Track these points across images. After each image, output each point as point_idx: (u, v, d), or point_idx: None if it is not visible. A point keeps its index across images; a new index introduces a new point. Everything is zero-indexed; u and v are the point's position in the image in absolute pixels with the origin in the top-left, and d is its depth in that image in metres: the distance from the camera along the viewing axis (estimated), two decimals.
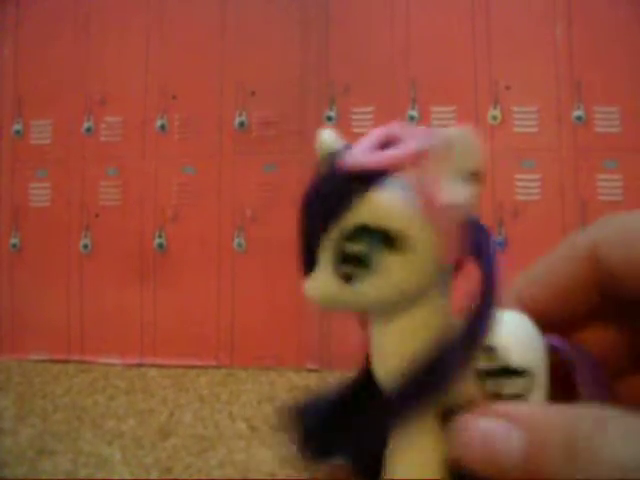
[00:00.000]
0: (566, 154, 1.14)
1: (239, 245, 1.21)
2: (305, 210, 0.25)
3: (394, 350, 0.24)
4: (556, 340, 0.25)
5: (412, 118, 1.17)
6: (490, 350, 0.24)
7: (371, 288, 0.23)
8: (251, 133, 1.23)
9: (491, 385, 0.24)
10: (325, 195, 0.24)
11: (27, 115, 1.31)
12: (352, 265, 0.24)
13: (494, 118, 1.15)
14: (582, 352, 0.25)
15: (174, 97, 1.26)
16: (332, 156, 0.25)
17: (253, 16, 1.25)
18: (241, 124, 1.23)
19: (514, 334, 0.25)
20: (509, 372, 0.24)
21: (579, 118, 1.13)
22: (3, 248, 1.29)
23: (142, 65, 1.27)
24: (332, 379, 1.11)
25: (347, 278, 0.24)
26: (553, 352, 0.25)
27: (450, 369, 0.23)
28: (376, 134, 0.24)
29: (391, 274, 0.23)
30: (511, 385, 0.24)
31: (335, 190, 0.24)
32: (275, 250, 1.20)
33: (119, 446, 0.81)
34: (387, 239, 0.23)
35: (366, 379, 0.25)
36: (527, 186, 1.14)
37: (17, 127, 1.30)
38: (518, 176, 1.14)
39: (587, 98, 1.14)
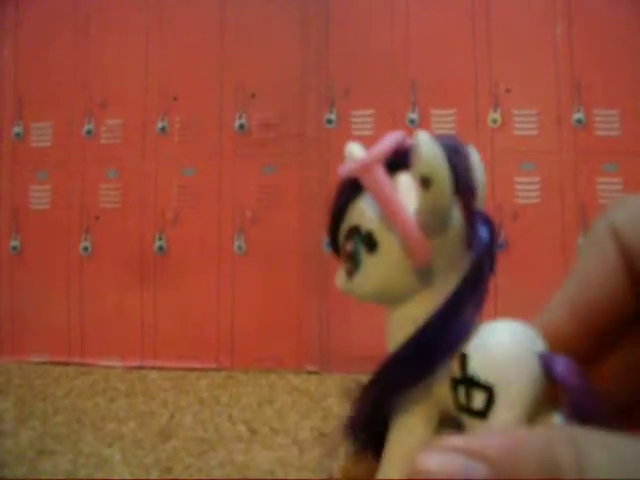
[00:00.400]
0: (566, 157, 1.14)
1: (239, 247, 1.21)
2: (329, 213, 0.28)
3: (393, 336, 0.26)
4: (561, 362, 0.24)
5: (412, 121, 1.18)
6: (462, 357, 0.24)
7: (359, 283, 0.26)
8: (251, 135, 1.23)
9: (460, 394, 0.23)
10: (334, 200, 0.27)
11: (27, 117, 1.31)
12: (349, 261, 0.26)
13: (494, 121, 1.16)
14: (583, 381, 0.24)
15: (175, 99, 1.26)
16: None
17: (253, 18, 1.25)
18: (241, 126, 1.23)
19: (490, 345, 0.24)
20: (474, 384, 0.23)
21: (579, 121, 1.13)
22: (3, 250, 1.29)
23: (142, 67, 1.27)
24: (332, 381, 1.11)
25: (348, 273, 0.26)
26: (549, 373, 0.24)
27: (428, 347, 0.24)
28: (383, 145, 0.26)
29: (369, 272, 0.25)
30: (475, 399, 0.23)
31: (338, 196, 0.27)
32: (275, 252, 1.20)
33: (119, 448, 0.81)
34: (365, 240, 0.25)
35: None
36: (527, 189, 1.14)
37: (17, 129, 1.31)
38: (518, 179, 1.14)
39: (587, 101, 1.14)
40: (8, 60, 1.32)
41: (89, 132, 1.28)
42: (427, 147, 0.23)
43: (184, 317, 1.22)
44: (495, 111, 1.16)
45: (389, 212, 0.24)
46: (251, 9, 1.25)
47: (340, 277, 0.27)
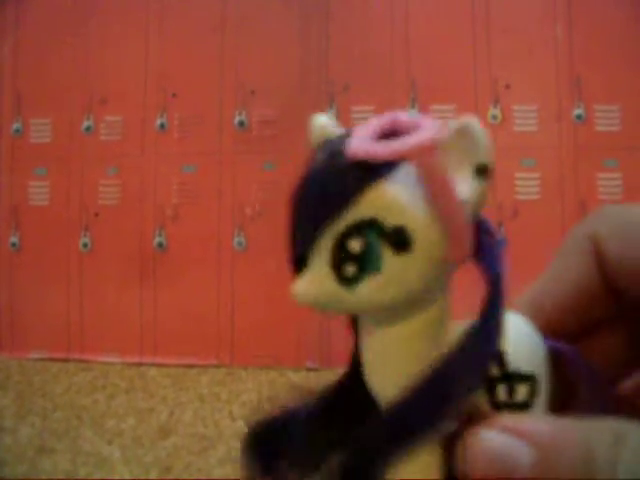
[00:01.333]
0: (566, 153, 1.13)
1: (239, 244, 1.21)
2: (298, 202, 0.22)
3: (395, 357, 0.22)
4: (559, 345, 0.24)
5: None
6: (499, 355, 0.22)
7: (373, 290, 0.21)
8: (251, 132, 1.23)
9: (499, 393, 0.22)
10: (325, 186, 0.22)
11: (26, 114, 1.31)
12: (353, 264, 0.21)
13: (494, 117, 1.15)
14: (583, 358, 0.24)
15: (174, 95, 1.25)
16: (330, 143, 0.22)
17: (253, 15, 1.25)
18: (241, 123, 1.23)
19: (517, 338, 0.23)
20: (514, 378, 0.23)
21: (579, 117, 1.13)
22: (3, 247, 1.29)
23: (141, 63, 1.27)
24: (332, 378, 1.11)
25: (346, 278, 0.22)
26: (556, 356, 0.24)
27: (463, 384, 0.21)
28: (379, 122, 0.22)
29: (395, 274, 0.21)
30: (519, 392, 0.22)
31: (337, 180, 0.21)
32: (275, 249, 1.20)
33: (119, 445, 0.81)
34: (392, 236, 0.21)
35: (352, 388, 0.24)
36: (527, 185, 1.14)
37: (16, 126, 1.30)
38: (518, 175, 1.14)
39: (587, 97, 1.13)
40: (8, 57, 1.32)
41: (88, 129, 1.27)
42: (484, 134, 0.21)
43: (184, 314, 1.22)
44: (495, 107, 1.16)
45: (446, 204, 0.20)
46: (251, 6, 1.25)
47: (319, 286, 0.22)
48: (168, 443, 0.82)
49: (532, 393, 0.22)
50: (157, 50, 1.27)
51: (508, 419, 0.21)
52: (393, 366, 0.23)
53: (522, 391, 0.22)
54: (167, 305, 1.23)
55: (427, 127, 0.21)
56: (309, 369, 1.16)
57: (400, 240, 0.21)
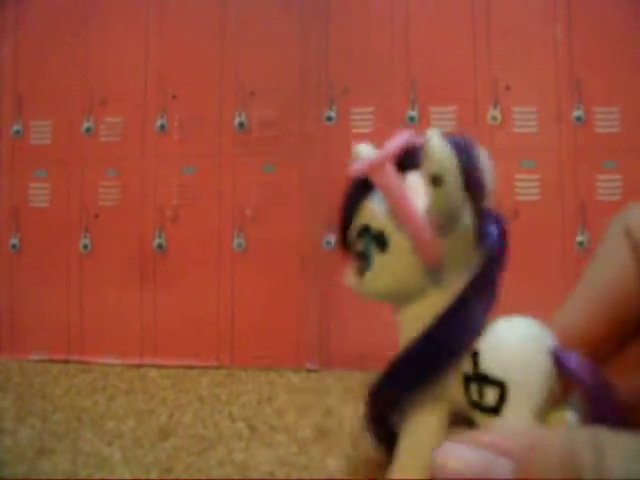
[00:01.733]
0: (566, 154, 1.14)
1: (239, 245, 1.21)
2: (341, 212, 0.28)
3: (403, 337, 0.26)
4: (573, 358, 0.24)
5: (412, 119, 1.18)
6: (474, 354, 0.24)
7: (370, 282, 0.26)
8: (251, 133, 1.23)
9: (472, 391, 0.24)
10: (343, 200, 0.27)
11: (27, 115, 1.31)
12: (361, 260, 0.26)
13: (494, 118, 1.15)
14: (597, 374, 0.24)
15: (174, 97, 1.26)
16: None
17: (253, 16, 1.25)
18: (241, 124, 1.23)
19: (501, 342, 0.24)
20: (486, 381, 0.23)
21: (579, 118, 1.13)
22: (2, 248, 1.29)
23: (142, 65, 1.27)
24: (332, 379, 1.11)
25: (359, 272, 0.26)
26: (562, 369, 0.23)
27: (437, 345, 0.24)
28: (393, 144, 0.26)
29: (380, 271, 0.25)
30: (487, 395, 0.23)
31: (347, 195, 0.27)
32: (275, 250, 1.20)
33: (119, 446, 0.81)
34: (377, 238, 0.25)
35: None
36: (527, 186, 1.14)
37: (17, 127, 1.30)
38: (518, 176, 1.14)
39: (587, 98, 1.14)
40: (8, 58, 1.32)
41: (88, 130, 1.28)
42: (437, 145, 0.23)
43: (184, 315, 1.22)
44: (495, 108, 1.16)
45: (400, 211, 0.24)
46: (251, 8, 1.25)
47: (350, 276, 0.27)
48: (168, 444, 0.82)
49: (501, 399, 0.23)
50: (157, 52, 1.27)
51: (482, 435, 0.21)
52: (403, 343, 0.26)
53: (490, 395, 0.23)
54: (167, 306, 1.23)
55: (386, 146, 0.26)
56: (309, 370, 1.16)
57: (381, 242, 0.25)
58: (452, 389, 0.24)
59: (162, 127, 1.25)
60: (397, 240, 0.25)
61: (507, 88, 1.16)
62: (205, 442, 0.83)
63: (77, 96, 1.29)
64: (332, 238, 1.17)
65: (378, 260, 0.25)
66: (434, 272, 0.24)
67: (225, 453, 0.80)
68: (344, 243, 0.28)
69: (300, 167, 1.19)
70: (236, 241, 1.21)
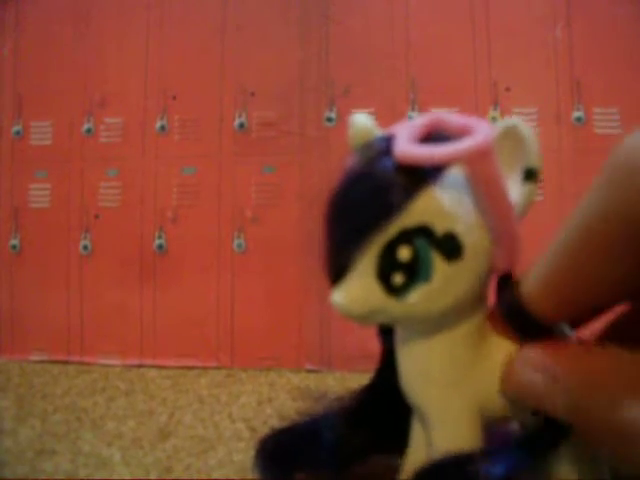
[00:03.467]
0: (565, 155, 1.14)
1: (239, 246, 1.21)
2: (340, 210, 0.21)
3: (438, 366, 0.21)
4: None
5: (412, 119, 1.17)
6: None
7: (423, 299, 0.20)
8: (251, 134, 1.23)
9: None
10: (370, 192, 0.20)
11: (27, 116, 1.31)
12: (401, 273, 0.20)
13: (494, 119, 1.15)
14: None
15: (174, 97, 1.26)
16: (372, 146, 0.22)
17: (253, 17, 1.25)
18: (241, 125, 1.23)
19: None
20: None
21: (579, 119, 1.13)
22: (3, 249, 1.29)
23: (142, 66, 1.27)
24: (332, 380, 1.11)
25: (394, 288, 0.20)
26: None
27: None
28: (421, 123, 0.21)
29: (446, 283, 0.20)
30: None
31: (384, 186, 0.20)
32: (275, 251, 1.20)
33: (119, 447, 0.81)
34: (443, 243, 0.20)
35: (382, 393, 0.23)
36: None
37: (17, 128, 1.30)
38: None
39: (587, 99, 1.14)
40: (8, 58, 1.32)
41: (89, 131, 1.28)
42: (533, 137, 0.20)
43: (184, 315, 1.22)
44: (495, 109, 1.16)
45: (501, 210, 0.19)
46: (251, 8, 1.25)
47: (365, 295, 0.20)
48: (168, 445, 0.82)
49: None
50: (157, 52, 1.27)
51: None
52: (435, 372, 0.22)
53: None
54: (167, 307, 1.23)
55: (479, 130, 0.20)
56: (309, 371, 1.16)
57: (451, 247, 0.20)
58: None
59: (162, 128, 1.25)
60: (475, 244, 0.19)
61: (507, 89, 1.16)
62: (205, 443, 0.83)
63: (77, 97, 1.29)
64: None
65: (442, 270, 0.20)
66: (490, 281, 0.21)
67: (225, 454, 0.80)
68: (346, 253, 0.20)
69: (300, 168, 1.19)
70: (236, 241, 1.21)
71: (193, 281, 1.23)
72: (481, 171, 0.19)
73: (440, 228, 0.20)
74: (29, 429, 0.88)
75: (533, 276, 0.22)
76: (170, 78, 1.26)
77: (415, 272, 0.20)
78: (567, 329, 0.22)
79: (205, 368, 1.18)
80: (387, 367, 0.23)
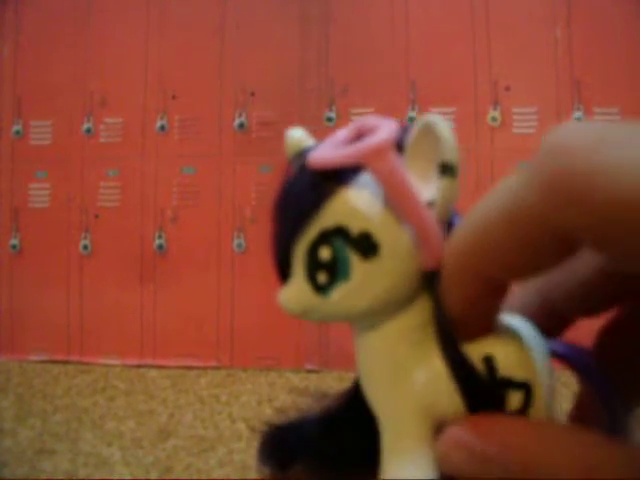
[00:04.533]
0: None
1: (239, 246, 1.21)
2: (275, 213, 0.23)
3: (377, 363, 0.22)
4: (562, 347, 0.23)
5: (412, 119, 1.18)
6: (487, 359, 0.21)
7: (344, 297, 0.21)
8: (251, 134, 1.23)
9: (488, 399, 0.21)
10: (294, 196, 0.22)
11: (27, 116, 1.31)
12: (324, 272, 0.21)
13: (494, 119, 1.15)
14: (586, 358, 0.22)
15: (174, 97, 1.26)
16: (301, 155, 0.22)
17: (253, 17, 1.25)
18: (241, 125, 1.23)
19: (516, 343, 0.22)
20: (508, 385, 0.21)
21: (579, 119, 1.13)
22: (3, 249, 1.29)
23: (141, 65, 1.27)
24: (331, 379, 1.11)
25: (319, 286, 0.21)
26: (558, 360, 0.22)
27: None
28: (345, 130, 0.22)
29: (364, 282, 0.21)
30: (512, 399, 0.21)
31: (303, 190, 0.21)
32: None
33: (119, 446, 0.81)
34: (358, 243, 0.20)
35: (359, 393, 0.23)
36: None
37: (17, 127, 1.30)
38: None
39: (587, 99, 1.14)
40: (8, 58, 1.32)
41: (88, 130, 1.28)
42: (448, 131, 0.20)
43: (184, 315, 1.22)
44: (495, 109, 1.16)
45: (407, 206, 0.20)
46: (251, 8, 1.25)
47: (297, 295, 0.22)
48: (168, 445, 0.83)
49: (526, 401, 0.21)
50: (157, 52, 1.27)
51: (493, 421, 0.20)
52: (376, 371, 0.22)
53: (515, 399, 0.21)
54: (167, 307, 1.23)
55: (381, 129, 0.21)
56: (309, 371, 1.16)
57: (367, 245, 0.20)
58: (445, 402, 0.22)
59: (162, 127, 1.25)
60: (391, 242, 0.20)
61: (507, 89, 1.16)
62: (205, 442, 0.83)
63: (77, 96, 1.29)
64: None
65: (360, 269, 0.20)
66: (427, 277, 0.21)
67: (225, 453, 0.80)
68: (284, 254, 0.22)
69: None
70: (236, 241, 1.21)
71: (193, 281, 1.23)
72: (378, 169, 0.20)
73: (355, 228, 0.20)
74: (29, 429, 0.88)
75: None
76: (170, 78, 1.26)
77: (335, 271, 0.21)
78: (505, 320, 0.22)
79: (205, 368, 1.18)
80: None
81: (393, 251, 0.21)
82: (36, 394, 1.04)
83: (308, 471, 0.25)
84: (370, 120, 0.22)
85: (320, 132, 1.25)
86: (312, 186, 0.21)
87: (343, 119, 1.19)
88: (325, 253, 0.21)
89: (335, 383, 1.08)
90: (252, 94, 1.24)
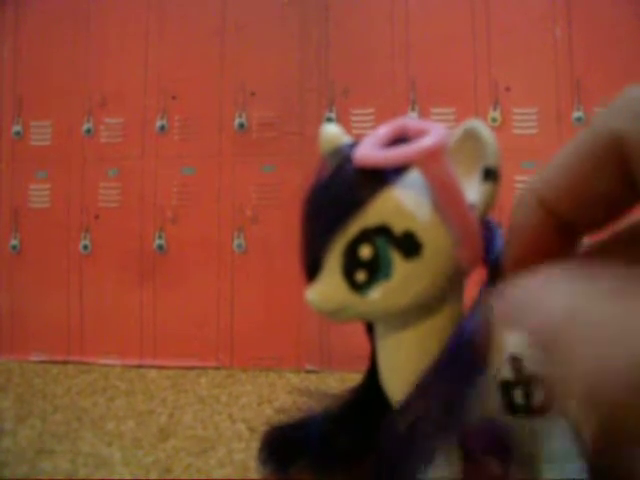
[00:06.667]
0: None
1: (239, 246, 1.21)
2: (310, 210, 0.22)
3: (405, 362, 0.22)
4: None
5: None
6: (514, 360, 0.21)
7: (384, 296, 0.21)
8: (251, 134, 1.23)
9: (516, 396, 0.21)
10: (334, 194, 0.21)
11: (27, 116, 1.31)
12: (363, 270, 0.21)
13: (494, 120, 1.15)
14: None
15: (174, 97, 1.26)
16: (338, 152, 0.22)
17: (253, 17, 1.25)
18: (241, 125, 1.23)
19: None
20: (531, 382, 0.21)
21: (579, 119, 1.13)
22: (3, 249, 1.29)
23: (141, 65, 1.27)
24: (331, 380, 1.11)
25: (357, 284, 0.21)
26: None
27: (460, 377, 0.21)
28: (386, 129, 0.22)
29: (405, 281, 0.21)
30: (535, 396, 0.21)
31: (345, 189, 0.21)
32: (275, 251, 1.20)
33: (119, 447, 0.81)
34: (402, 242, 0.21)
35: (370, 391, 0.23)
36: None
37: (17, 128, 1.30)
38: (518, 177, 1.14)
39: (587, 99, 1.14)
40: (8, 59, 1.32)
41: (88, 131, 1.28)
42: (492, 137, 0.20)
43: (184, 316, 1.22)
44: (495, 110, 1.16)
45: (455, 209, 0.20)
46: (251, 8, 1.25)
47: (332, 292, 0.22)
48: (168, 445, 0.82)
49: (550, 397, 0.21)
50: (157, 52, 1.27)
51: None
52: (403, 370, 0.22)
53: (540, 395, 0.21)
54: (167, 307, 1.23)
55: (433, 132, 0.21)
56: (309, 371, 1.16)
57: (410, 245, 0.20)
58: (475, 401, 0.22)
59: (162, 128, 1.25)
60: (434, 242, 0.20)
61: (507, 89, 1.16)
62: (205, 443, 0.83)
63: (77, 97, 1.29)
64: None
65: (401, 268, 0.20)
66: (462, 278, 0.21)
67: (225, 454, 0.80)
68: (316, 252, 0.22)
69: (300, 168, 1.20)
70: (236, 242, 1.21)
71: (193, 281, 1.23)
72: (432, 171, 0.20)
73: (398, 227, 0.21)
74: (29, 429, 0.88)
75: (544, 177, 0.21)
76: (170, 78, 1.26)
77: (376, 270, 0.21)
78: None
79: (205, 368, 1.18)
80: (374, 366, 0.24)
81: (435, 251, 0.21)
82: (36, 394, 1.04)
83: (310, 471, 0.25)
84: (412, 121, 0.22)
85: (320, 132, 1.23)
86: (356, 184, 0.21)
87: (343, 119, 1.19)
88: (366, 251, 0.21)
89: (335, 384, 1.08)
90: (252, 94, 1.24)
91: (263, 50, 1.24)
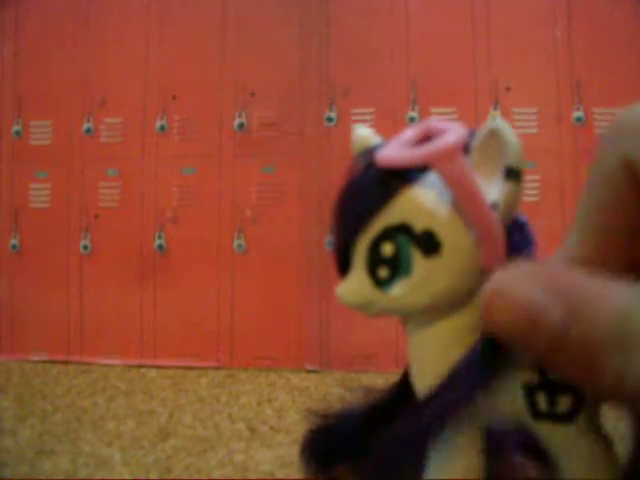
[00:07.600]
0: (566, 155, 1.14)
1: (239, 246, 1.21)
2: (339, 209, 0.23)
3: (429, 358, 0.22)
4: None
5: (412, 119, 1.18)
6: (539, 363, 0.21)
7: (404, 293, 0.21)
8: (251, 134, 1.23)
9: (539, 401, 0.21)
10: (359, 193, 0.22)
11: (27, 116, 1.31)
12: (385, 267, 0.21)
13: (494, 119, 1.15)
14: None
15: (174, 98, 1.26)
16: (367, 153, 0.23)
17: (253, 18, 1.25)
18: (241, 125, 1.23)
19: None
20: (555, 388, 0.21)
21: (579, 119, 1.13)
22: (3, 249, 1.29)
23: (142, 66, 1.27)
24: (331, 380, 1.11)
25: (380, 281, 0.22)
26: None
27: (477, 377, 0.21)
28: (413, 130, 0.22)
29: (425, 278, 0.21)
30: (560, 403, 0.21)
31: (369, 187, 0.22)
32: (275, 251, 1.20)
33: (119, 447, 0.81)
34: (421, 240, 0.21)
35: (405, 389, 0.23)
36: (527, 187, 1.14)
37: (17, 128, 1.30)
38: None
39: (587, 99, 1.14)
40: (8, 59, 1.32)
41: (88, 131, 1.28)
42: (514, 137, 0.20)
43: (184, 316, 1.22)
44: (495, 109, 1.16)
45: (473, 208, 0.20)
46: (251, 9, 1.25)
47: (357, 288, 0.22)
48: (168, 445, 0.82)
49: (576, 406, 0.21)
50: (157, 53, 1.27)
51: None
52: (427, 367, 0.22)
53: (564, 403, 0.21)
54: (167, 307, 1.23)
55: (450, 133, 0.21)
56: (309, 371, 1.16)
57: (429, 243, 0.21)
58: (501, 401, 0.21)
59: (162, 128, 1.25)
60: (454, 241, 0.21)
61: (507, 89, 1.16)
62: (205, 443, 0.83)
63: (77, 97, 1.29)
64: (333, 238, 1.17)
65: (421, 266, 0.21)
66: (483, 277, 0.21)
67: (225, 454, 0.80)
68: (345, 248, 0.22)
69: (300, 167, 1.19)
70: (236, 242, 1.21)
71: (193, 281, 1.23)
72: (447, 171, 0.21)
73: (418, 226, 0.21)
74: (29, 429, 0.88)
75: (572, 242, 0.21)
76: (170, 78, 1.26)
77: (397, 267, 0.21)
78: None
79: (205, 368, 1.18)
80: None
81: (455, 250, 0.21)
82: (36, 394, 1.04)
83: (351, 470, 0.25)
84: (438, 122, 0.22)
85: (320, 132, 1.25)
86: (379, 183, 0.22)
87: (343, 119, 1.19)
88: (387, 249, 0.21)
89: (335, 384, 1.08)
90: (252, 94, 1.24)
91: (263, 50, 1.24)
